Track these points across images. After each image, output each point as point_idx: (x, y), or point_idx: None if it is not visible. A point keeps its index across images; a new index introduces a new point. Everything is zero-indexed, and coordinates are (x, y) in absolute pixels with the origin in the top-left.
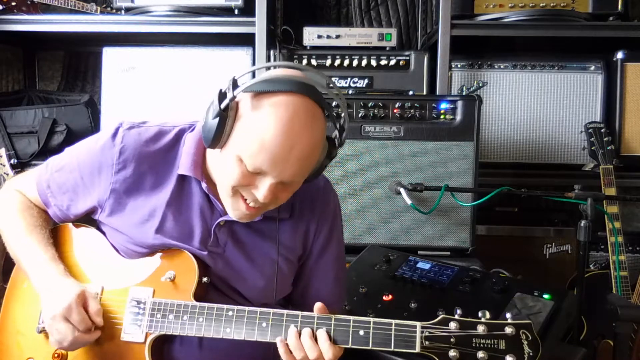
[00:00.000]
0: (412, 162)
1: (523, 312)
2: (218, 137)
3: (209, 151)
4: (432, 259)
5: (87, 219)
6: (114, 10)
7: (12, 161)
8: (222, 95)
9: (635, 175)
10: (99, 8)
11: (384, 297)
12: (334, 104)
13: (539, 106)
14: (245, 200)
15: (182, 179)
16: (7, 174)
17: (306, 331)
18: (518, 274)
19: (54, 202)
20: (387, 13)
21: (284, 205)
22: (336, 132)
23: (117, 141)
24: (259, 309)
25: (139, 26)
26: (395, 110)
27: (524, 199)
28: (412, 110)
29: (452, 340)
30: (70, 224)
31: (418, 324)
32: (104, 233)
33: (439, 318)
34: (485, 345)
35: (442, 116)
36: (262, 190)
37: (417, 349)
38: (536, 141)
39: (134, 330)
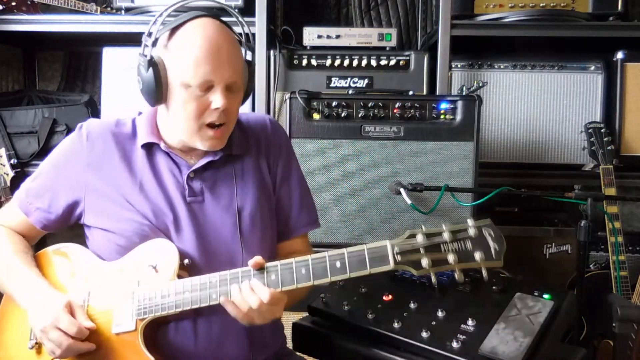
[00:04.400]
0: (412, 162)
1: (523, 312)
2: (159, 86)
3: (159, 117)
4: None
5: (72, 233)
6: (114, 10)
7: (12, 161)
8: (144, 51)
9: (635, 175)
10: (99, 8)
11: (384, 297)
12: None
13: (539, 106)
14: (211, 126)
15: (148, 151)
16: (7, 174)
17: (245, 285)
18: (518, 274)
19: (35, 206)
20: (387, 13)
21: (237, 143)
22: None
23: (83, 130)
24: (240, 269)
25: (139, 26)
26: (395, 110)
27: (524, 199)
28: (412, 110)
29: (421, 250)
30: (49, 248)
31: (387, 242)
32: (87, 239)
33: (405, 234)
34: (453, 249)
35: (442, 116)
36: (217, 100)
37: (391, 264)
38: (536, 141)
39: (124, 321)
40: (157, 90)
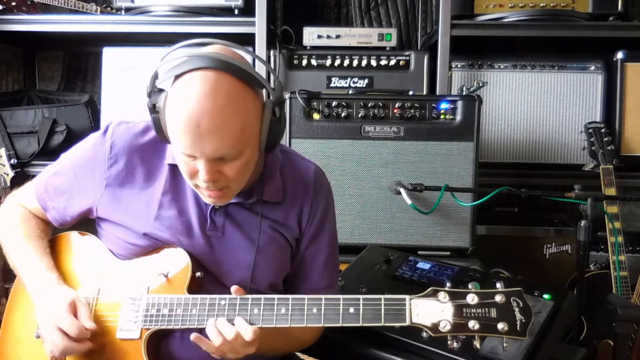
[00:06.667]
0: (412, 162)
1: None
2: (159, 132)
3: None
4: (432, 259)
5: (88, 223)
6: (114, 10)
7: (12, 161)
8: (149, 93)
9: (635, 175)
10: (99, 8)
11: None
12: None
13: (539, 106)
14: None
15: (174, 169)
16: (7, 174)
17: (221, 320)
18: (518, 274)
19: (52, 205)
20: (387, 13)
21: (274, 191)
22: (272, 93)
23: (108, 137)
24: (250, 296)
25: (139, 26)
26: (395, 110)
27: (524, 199)
28: (412, 110)
29: (442, 311)
30: (69, 233)
31: (407, 297)
32: (100, 237)
33: (428, 290)
34: (477, 314)
35: (442, 116)
36: (201, 173)
37: (408, 322)
38: (536, 141)
39: (130, 327)
40: (160, 135)
